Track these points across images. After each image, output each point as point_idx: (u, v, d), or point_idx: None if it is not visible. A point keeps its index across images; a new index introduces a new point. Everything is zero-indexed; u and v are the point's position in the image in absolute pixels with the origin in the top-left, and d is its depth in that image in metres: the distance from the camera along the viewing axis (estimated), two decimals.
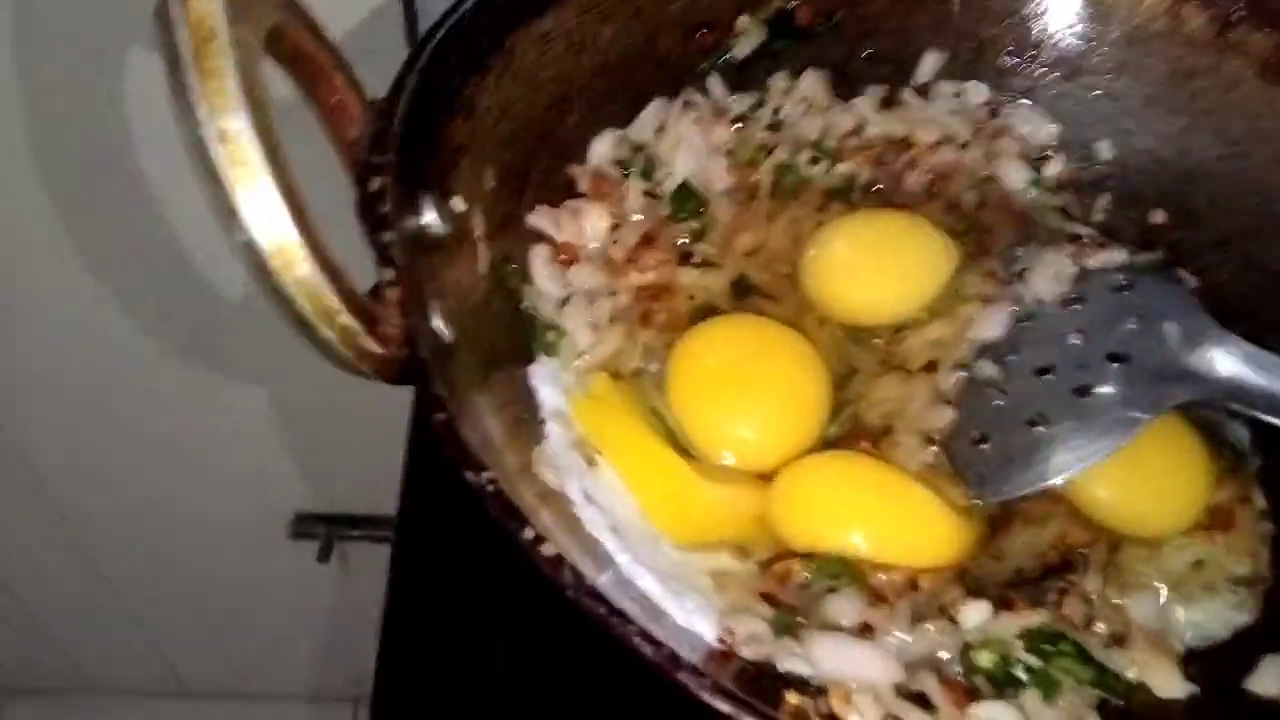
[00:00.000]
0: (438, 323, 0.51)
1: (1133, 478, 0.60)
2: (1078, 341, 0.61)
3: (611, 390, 0.62)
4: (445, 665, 0.73)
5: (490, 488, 0.41)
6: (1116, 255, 0.66)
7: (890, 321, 0.68)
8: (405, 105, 0.55)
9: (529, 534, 0.40)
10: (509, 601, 0.72)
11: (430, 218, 0.55)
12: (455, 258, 0.58)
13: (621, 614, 0.39)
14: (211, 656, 1.73)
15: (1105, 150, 0.77)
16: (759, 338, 0.64)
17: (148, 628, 1.67)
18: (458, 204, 0.59)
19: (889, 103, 0.78)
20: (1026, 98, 0.78)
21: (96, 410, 1.30)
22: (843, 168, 0.74)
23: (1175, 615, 0.58)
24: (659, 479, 0.59)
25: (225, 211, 0.39)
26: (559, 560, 0.40)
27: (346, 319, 0.42)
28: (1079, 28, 0.76)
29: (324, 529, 1.50)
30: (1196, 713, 0.54)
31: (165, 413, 1.33)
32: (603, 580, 0.44)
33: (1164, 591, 0.59)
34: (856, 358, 0.67)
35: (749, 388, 0.62)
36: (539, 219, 0.67)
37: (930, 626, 0.54)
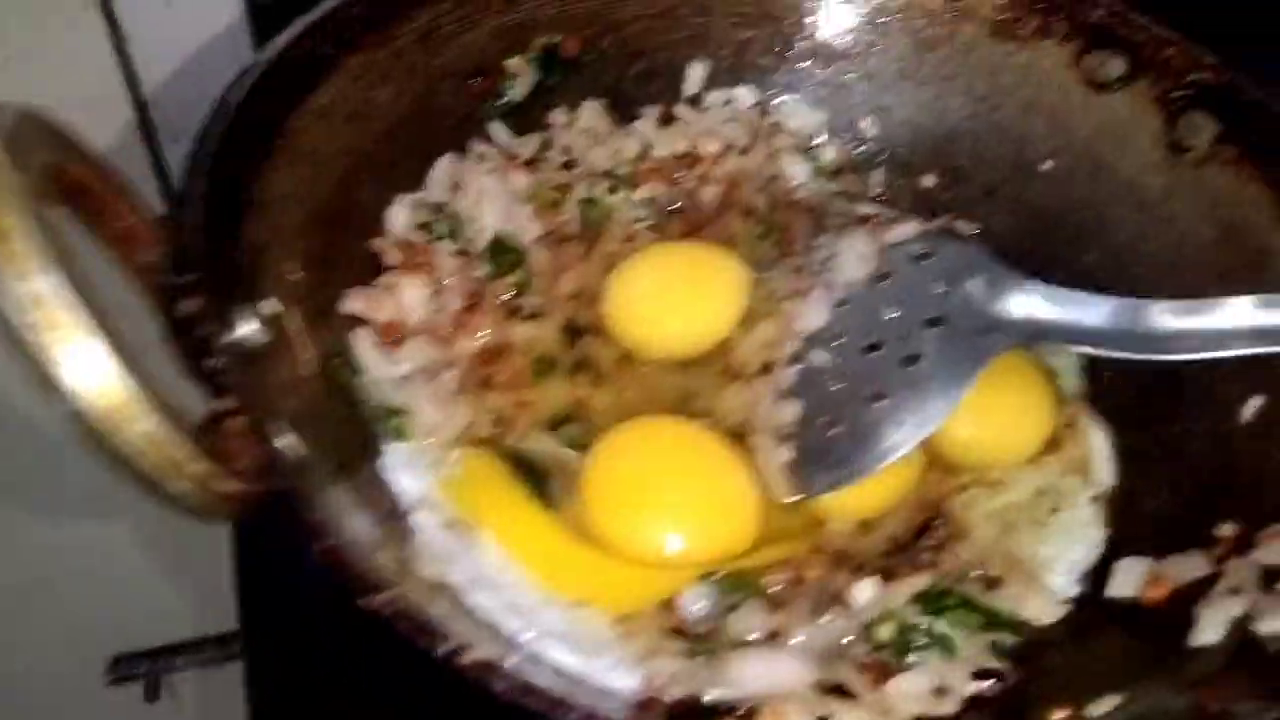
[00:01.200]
0: (284, 440, 0.48)
1: (988, 415, 0.65)
2: (896, 314, 0.65)
3: (480, 463, 0.61)
4: None
5: (394, 608, 0.39)
6: (909, 227, 0.70)
7: (704, 347, 0.69)
8: (197, 215, 0.51)
9: (447, 648, 0.39)
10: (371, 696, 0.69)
11: (246, 329, 0.52)
12: (279, 364, 0.55)
13: (564, 703, 0.39)
14: None
15: (870, 128, 0.82)
16: (676, 441, 0.64)
17: None
18: (269, 306, 0.56)
19: (667, 120, 0.80)
20: (790, 93, 0.82)
21: None
22: (642, 192, 0.76)
23: (1036, 545, 0.63)
24: (544, 542, 0.58)
25: (46, 381, 0.35)
26: (489, 666, 0.39)
27: (197, 466, 0.39)
28: (826, 17, 0.80)
29: (146, 666, 1.39)
30: (1074, 630, 0.59)
31: None
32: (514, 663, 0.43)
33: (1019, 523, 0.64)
34: (692, 382, 0.68)
35: (678, 495, 0.61)
36: (353, 303, 0.64)
37: (829, 616, 0.56)
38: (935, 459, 0.66)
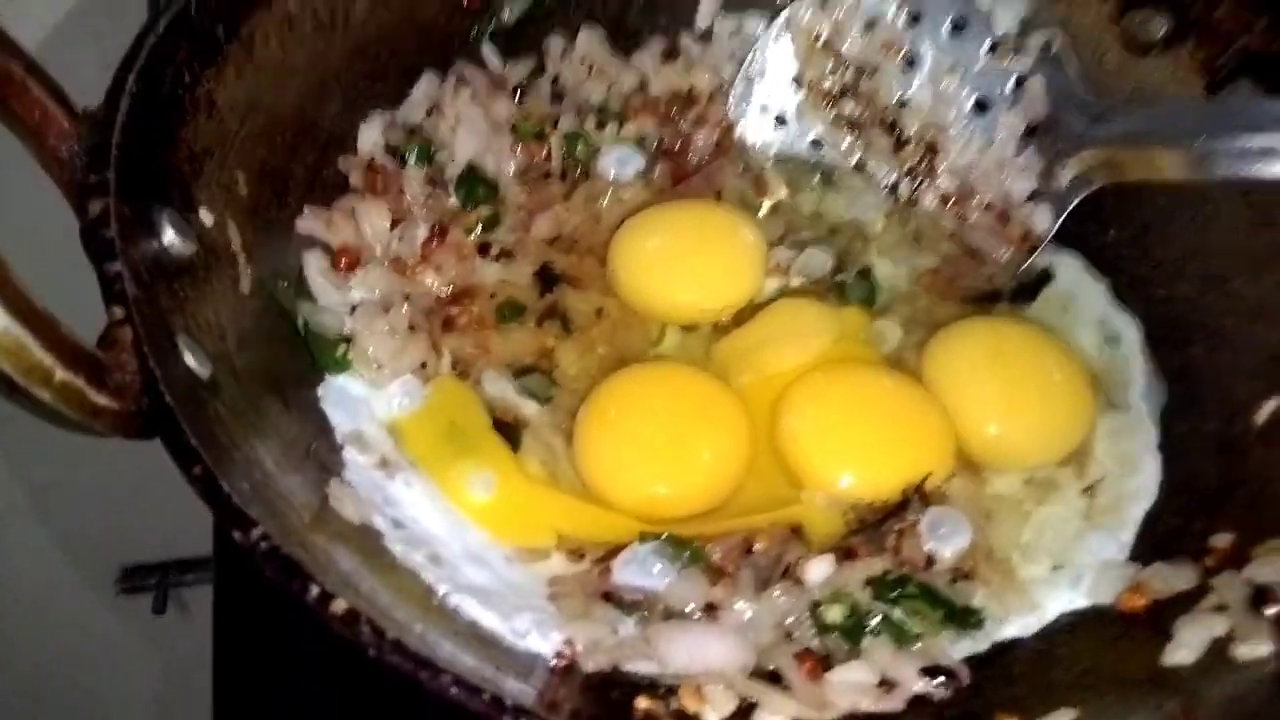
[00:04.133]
0: (190, 359, 0.45)
1: (1024, 414, 0.61)
2: None
3: (449, 393, 0.59)
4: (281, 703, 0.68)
5: (263, 545, 0.36)
6: None
7: (715, 318, 0.65)
8: (125, 111, 0.48)
9: (314, 592, 0.35)
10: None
11: (170, 237, 0.48)
12: (209, 279, 0.51)
13: (430, 664, 0.35)
14: None
15: None
16: (677, 388, 0.61)
17: None
18: (205, 217, 0.53)
19: (670, 55, 0.75)
20: None
21: None
22: (631, 129, 0.71)
23: (1016, 537, 0.58)
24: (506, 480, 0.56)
25: None
26: (353, 616, 0.35)
27: (64, 375, 0.36)
28: None
29: (156, 578, 1.39)
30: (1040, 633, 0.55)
31: None
32: (419, 625, 0.40)
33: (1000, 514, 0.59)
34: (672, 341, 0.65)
35: (671, 445, 0.58)
36: (308, 222, 0.61)
37: (776, 591, 0.51)
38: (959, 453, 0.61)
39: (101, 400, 0.37)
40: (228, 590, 0.74)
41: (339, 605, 0.35)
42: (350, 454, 0.53)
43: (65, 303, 0.39)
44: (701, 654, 0.47)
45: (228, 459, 0.41)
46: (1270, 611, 0.48)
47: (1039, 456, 0.61)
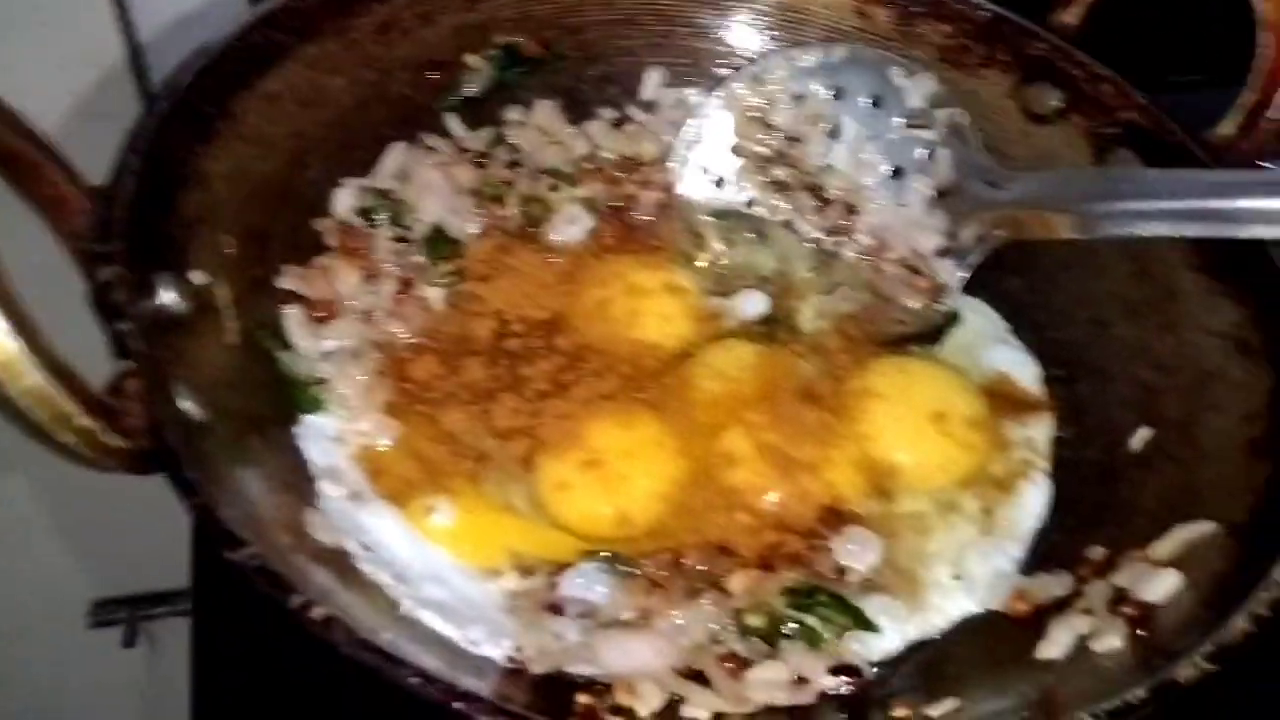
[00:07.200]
0: (186, 404, 0.51)
1: (929, 442, 0.69)
2: None
3: (412, 429, 0.64)
4: None
5: (252, 562, 0.43)
6: None
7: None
8: (129, 187, 0.55)
9: (296, 601, 0.42)
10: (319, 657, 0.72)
11: (169, 297, 0.55)
12: (201, 332, 0.58)
13: (394, 658, 0.42)
14: None
15: None
16: (619, 424, 0.67)
17: None
18: (197, 277, 0.60)
19: (620, 122, 0.83)
20: None
21: None
22: (582, 191, 0.78)
23: (921, 552, 0.65)
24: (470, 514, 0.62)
25: None
26: (329, 621, 0.42)
27: (84, 420, 0.42)
28: (780, 35, 0.83)
29: (126, 612, 1.43)
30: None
31: None
32: (386, 634, 0.47)
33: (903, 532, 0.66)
34: None
35: (613, 473, 0.64)
36: (288, 280, 0.67)
37: (704, 600, 0.58)
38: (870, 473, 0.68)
39: (114, 441, 0.44)
40: (206, 623, 0.79)
41: (318, 612, 0.42)
42: (324, 486, 0.60)
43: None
44: (635, 656, 0.54)
45: (219, 490, 0.47)
46: (1125, 610, 0.55)
47: (942, 480, 0.69)
